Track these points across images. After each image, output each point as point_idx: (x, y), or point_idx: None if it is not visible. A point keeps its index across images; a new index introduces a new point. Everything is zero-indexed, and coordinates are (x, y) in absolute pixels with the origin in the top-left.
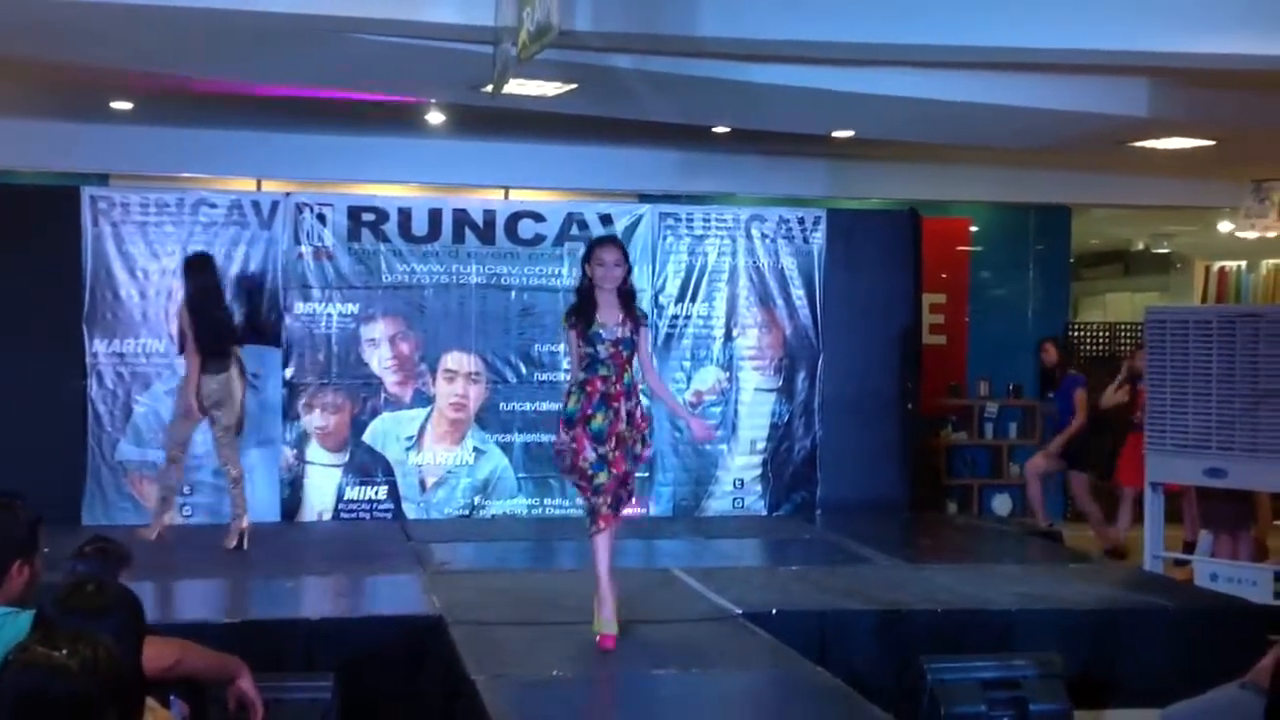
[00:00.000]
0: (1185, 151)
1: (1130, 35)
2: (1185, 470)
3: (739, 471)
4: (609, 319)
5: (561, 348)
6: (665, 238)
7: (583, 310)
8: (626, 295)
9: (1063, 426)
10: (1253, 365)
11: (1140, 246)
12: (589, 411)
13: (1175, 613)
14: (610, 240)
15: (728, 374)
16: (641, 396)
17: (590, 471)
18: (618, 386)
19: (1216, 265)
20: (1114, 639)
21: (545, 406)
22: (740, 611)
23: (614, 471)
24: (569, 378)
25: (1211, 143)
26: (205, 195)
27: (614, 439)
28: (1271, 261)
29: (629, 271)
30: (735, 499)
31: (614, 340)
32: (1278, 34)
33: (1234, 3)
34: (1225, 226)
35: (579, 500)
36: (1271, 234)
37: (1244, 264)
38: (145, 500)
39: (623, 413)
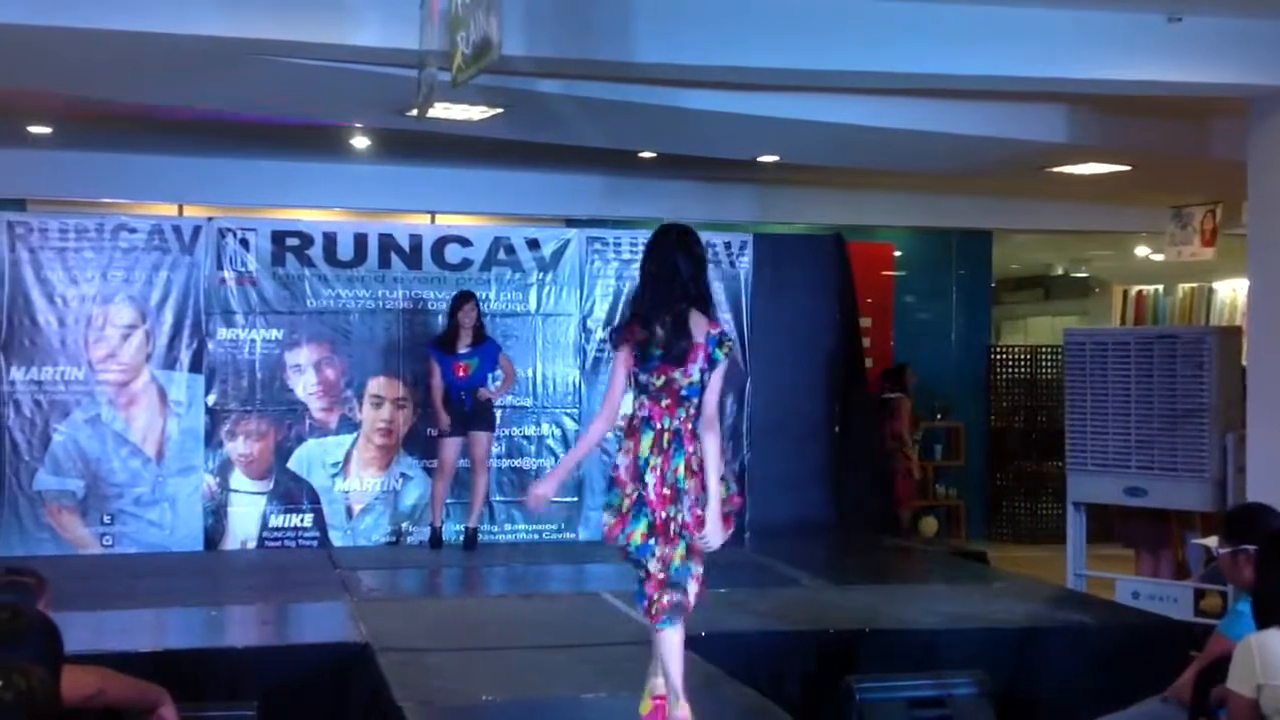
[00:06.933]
0: (1102, 177)
1: (1048, 62)
2: (1105, 490)
3: None
4: None
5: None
6: (593, 262)
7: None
8: None
9: None
10: (1170, 385)
11: (1060, 271)
12: None
13: (1098, 630)
14: None
15: None
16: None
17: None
18: None
19: (1134, 289)
20: (1038, 656)
21: None
22: None
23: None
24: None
25: (1127, 168)
26: (125, 220)
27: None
28: (1187, 284)
29: None
30: None
31: None
32: (1188, 62)
33: (1147, 32)
34: (1142, 251)
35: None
36: (1196, 257)
37: (1161, 287)
38: (63, 530)
39: None
